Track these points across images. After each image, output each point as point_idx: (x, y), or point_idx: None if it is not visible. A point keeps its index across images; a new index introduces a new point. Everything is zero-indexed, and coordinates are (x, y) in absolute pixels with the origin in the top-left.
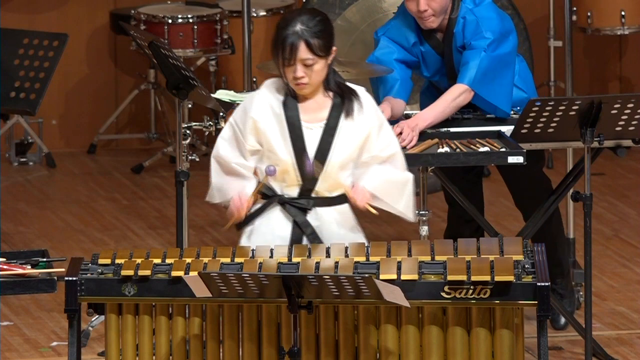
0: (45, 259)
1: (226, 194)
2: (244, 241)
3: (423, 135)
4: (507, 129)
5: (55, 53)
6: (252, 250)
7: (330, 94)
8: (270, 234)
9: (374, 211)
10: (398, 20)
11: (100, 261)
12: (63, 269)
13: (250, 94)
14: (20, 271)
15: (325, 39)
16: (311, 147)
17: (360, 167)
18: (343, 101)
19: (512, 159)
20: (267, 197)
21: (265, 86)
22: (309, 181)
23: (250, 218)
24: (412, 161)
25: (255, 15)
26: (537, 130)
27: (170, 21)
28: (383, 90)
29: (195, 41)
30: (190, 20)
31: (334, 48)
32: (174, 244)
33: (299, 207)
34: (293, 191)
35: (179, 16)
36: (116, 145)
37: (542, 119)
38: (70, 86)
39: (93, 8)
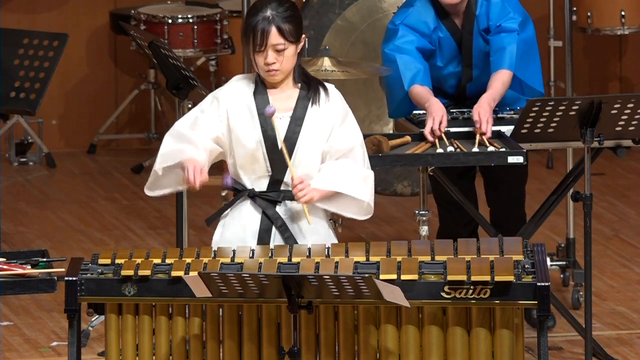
0: (45, 259)
1: (174, 157)
2: (216, 236)
3: (423, 135)
4: (507, 129)
5: (55, 53)
6: (233, 250)
7: (299, 84)
8: (241, 227)
9: (309, 217)
10: (416, 8)
11: (100, 261)
12: (63, 269)
13: (219, 88)
14: (20, 271)
15: (296, 25)
16: (280, 136)
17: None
18: (310, 91)
19: (512, 159)
20: (237, 191)
21: (235, 79)
22: (277, 170)
23: (220, 213)
24: (412, 161)
25: None
26: (537, 130)
27: (170, 21)
28: (409, 79)
29: (195, 41)
30: (190, 20)
31: (303, 35)
32: (174, 244)
33: (268, 199)
34: (262, 184)
35: (179, 16)
36: (116, 145)
37: (542, 119)
38: (70, 86)
39: (93, 8)
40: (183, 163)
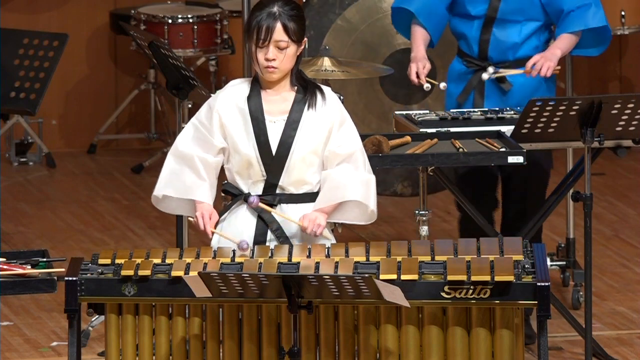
0: (45, 259)
1: (177, 188)
2: (213, 241)
3: (423, 135)
4: (507, 129)
5: (55, 53)
6: (233, 250)
7: (295, 87)
8: (237, 231)
9: (329, 236)
10: None
11: (100, 261)
12: (63, 269)
13: (215, 93)
14: (20, 271)
15: (300, 25)
16: (274, 140)
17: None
18: (306, 94)
19: (512, 159)
20: (233, 195)
21: (230, 85)
22: (273, 175)
23: (219, 217)
24: (412, 161)
25: None
26: (538, 130)
27: (170, 21)
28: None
29: (195, 41)
30: (190, 20)
31: (305, 39)
32: (174, 244)
33: (264, 204)
34: (258, 188)
35: (179, 16)
36: (116, 145)
37: (542, 119)
38: (70, 86)
39: (93, 8)
40: (195, 206)
